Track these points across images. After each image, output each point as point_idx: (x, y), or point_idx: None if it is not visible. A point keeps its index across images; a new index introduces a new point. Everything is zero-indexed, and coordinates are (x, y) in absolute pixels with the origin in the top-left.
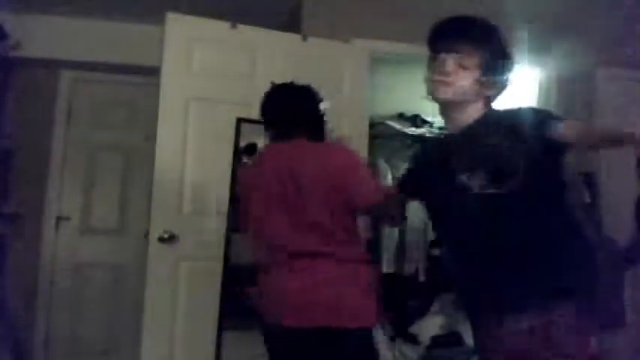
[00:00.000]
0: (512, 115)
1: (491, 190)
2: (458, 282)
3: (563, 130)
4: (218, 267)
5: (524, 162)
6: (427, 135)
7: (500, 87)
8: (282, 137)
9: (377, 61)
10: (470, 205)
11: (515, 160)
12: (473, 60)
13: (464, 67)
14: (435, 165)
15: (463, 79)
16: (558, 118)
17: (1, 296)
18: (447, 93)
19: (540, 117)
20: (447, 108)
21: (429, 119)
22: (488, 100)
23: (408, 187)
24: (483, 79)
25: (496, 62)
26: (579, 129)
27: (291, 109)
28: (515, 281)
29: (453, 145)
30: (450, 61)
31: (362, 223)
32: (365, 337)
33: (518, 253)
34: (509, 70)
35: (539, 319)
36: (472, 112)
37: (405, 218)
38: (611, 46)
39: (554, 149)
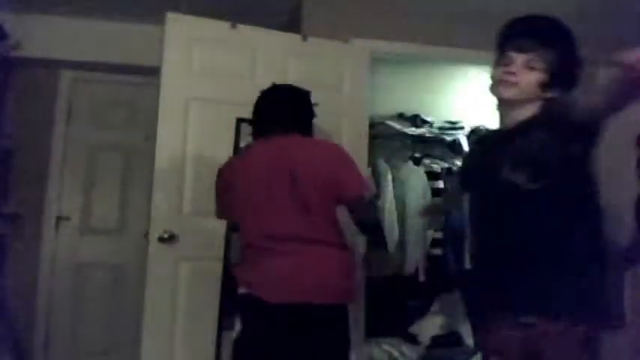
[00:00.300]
0: (557, 112)
1: (531, 187)
2: (477, 277)
3: (584, 104)
4: (218, 267)
5: (560, 159)
6: (427, 135)
7: (565, 89)
8: (276, 133)
9: (377, 61)
10: (511, 200)
11: (551, 157)
12: (540, 61)
13: (531, 68)
14: (484, 159)
15: (528, 79)
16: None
17: (1, 296)
18: (510, 92)
19: (569, 108)
20: (504, 105)
21: (428, 119)
22: (548, 100)
23: (462, 180)
24: (547, 81)
25: (564, 65)
26: (596, 94)
27: (290, 108)
28: (542, 282)
29: (502, 141)
30: (518, 60)
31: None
32: (341, 312)
33: (544, 255)
34: (578, 73)
35: (556, 325)
36: (527, 111)
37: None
38: (610, 46)
39: (585, 134)
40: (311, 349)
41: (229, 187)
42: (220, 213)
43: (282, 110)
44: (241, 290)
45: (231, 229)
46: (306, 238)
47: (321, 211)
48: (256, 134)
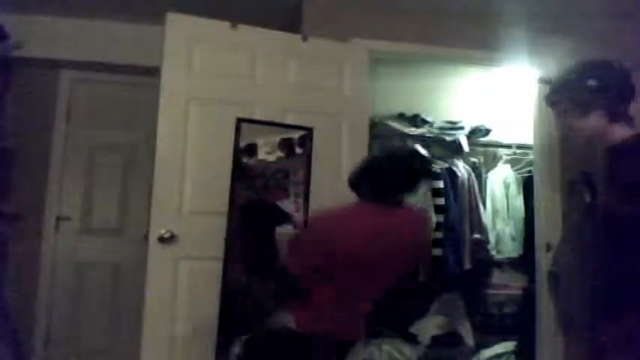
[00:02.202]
0: None
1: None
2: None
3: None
4: (218, 267)
5: None
6: (427, 135)
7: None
8: (379, 201)
9: (377, 61)
10: None
11: None
12: None
13: None
14: None
15: None
16: None
17: (1, 296)
18: None
19: None
20: None
21: (428, 119)
22: None
23: None
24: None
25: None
26: None
27: (406, 180)
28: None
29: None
30: None
31: None
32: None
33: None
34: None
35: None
36: None
37: None
38: (611, 46)
39: None
40: None
41: (322, 241)
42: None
43: (400, 181)
44: None
45: (231, 229)
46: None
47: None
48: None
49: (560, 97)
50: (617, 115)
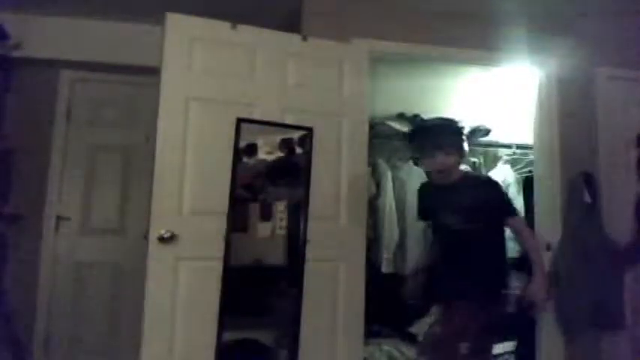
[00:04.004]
0: (484, 183)
1: (464, 227)
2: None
3: (512, 223)
4: (218, 267)
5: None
6: None
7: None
8: None
9: (377, 61)
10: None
11: (482, 212)
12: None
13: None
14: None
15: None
16: (515, 213)
17: (1, 296)
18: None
19: (505, 203)
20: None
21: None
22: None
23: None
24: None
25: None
26: (525, 230)
27: None
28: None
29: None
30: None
31: None
32: None
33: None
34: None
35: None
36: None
37: None
38: (611, 46)
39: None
40: None
41: None
42: None
43: None
44: None
45: (231, 229)
46: None
47: None
48: None
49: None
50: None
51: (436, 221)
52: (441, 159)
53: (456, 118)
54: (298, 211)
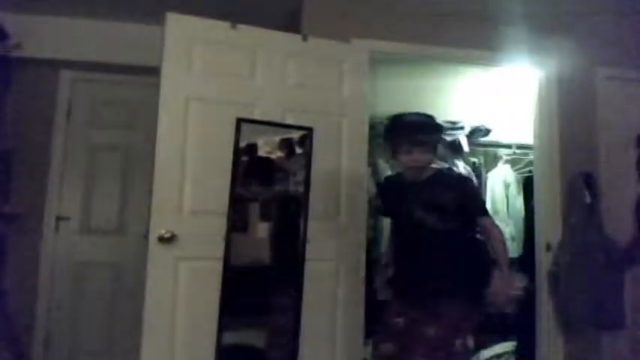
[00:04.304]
0: (459, 181)
1: (440, 226)
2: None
3: (483, 223)
4: (218, 267)
5: (461, 212)
6: None
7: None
8: None
9: (377, 61)
10: (423, 234)
11: (457, 210)
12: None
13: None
14: (400, 199)
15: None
16: (486, 213)
17: (2, 296)
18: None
19: (479, 202)
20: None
21: None
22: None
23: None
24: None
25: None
26: (494, 230)
27: None
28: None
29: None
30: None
31: None
32: None
33: (449, 263)
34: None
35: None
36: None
37: None
38: (611, 46)
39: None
40: None
41: None
42: None
43: None
44: None
45: (232, 229)
46: None
47: None
48: None
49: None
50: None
51: (406, 219)
52: (417, 156)
53: (434, 114)
54: (294, 210)
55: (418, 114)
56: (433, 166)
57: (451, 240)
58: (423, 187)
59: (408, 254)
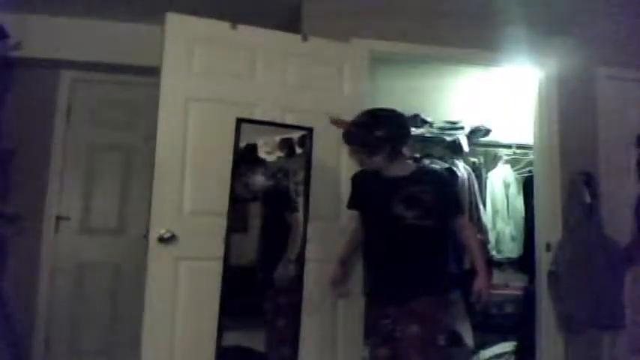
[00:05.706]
0: (440, 178)
1: (420, 222)
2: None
3: (459, 223)
4: (218, 267)
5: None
6: (427, 135)
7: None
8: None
9: (377, 61)
10: (401, 229)
11: (436, 207)
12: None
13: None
14: (376, 193)
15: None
16: (462, 212)
17: (1, 296)
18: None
19: (456, 201)
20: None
21: (428, 119)
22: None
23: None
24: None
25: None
26: (468, 229)
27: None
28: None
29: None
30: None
31: None
32: None
33: (422, 261)
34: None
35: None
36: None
37: None
38: (611, 46)
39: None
40: None
41: None
42: None
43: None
44: None
45: (231, 229)
46: None
47: None
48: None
49: (354, 141)
50: (394, 154)
51: (383, 212)
52: (367, 161)
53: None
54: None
55: (370, 111)
56: (409, 162)
57: (429, 236)
58: (404, 182)
59: (382, 250)
